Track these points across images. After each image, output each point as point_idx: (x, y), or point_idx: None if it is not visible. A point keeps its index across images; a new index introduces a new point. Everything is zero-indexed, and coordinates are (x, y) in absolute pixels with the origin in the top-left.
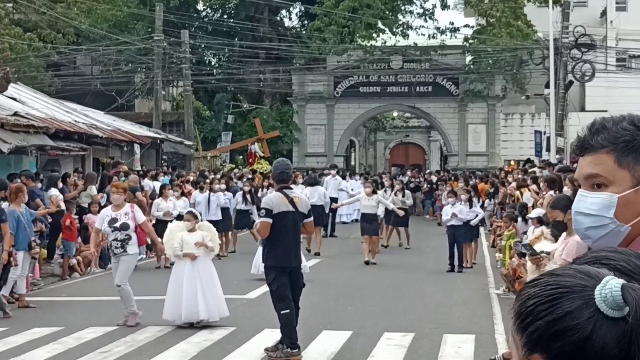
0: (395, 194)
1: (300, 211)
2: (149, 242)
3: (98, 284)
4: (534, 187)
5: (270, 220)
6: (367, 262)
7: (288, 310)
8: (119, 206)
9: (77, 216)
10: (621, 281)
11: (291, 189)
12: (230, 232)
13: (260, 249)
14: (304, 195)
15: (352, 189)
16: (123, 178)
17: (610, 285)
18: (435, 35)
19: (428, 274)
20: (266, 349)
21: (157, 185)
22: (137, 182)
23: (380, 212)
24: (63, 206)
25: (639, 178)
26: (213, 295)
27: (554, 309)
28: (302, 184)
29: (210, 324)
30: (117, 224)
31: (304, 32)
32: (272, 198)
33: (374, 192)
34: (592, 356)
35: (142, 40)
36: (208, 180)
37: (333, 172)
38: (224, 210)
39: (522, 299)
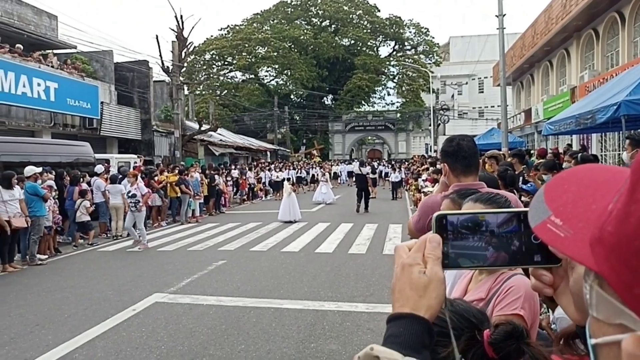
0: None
1: (364, 174)
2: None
3: (256, 205)
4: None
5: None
6: (373, 197)
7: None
8: None
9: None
10: None
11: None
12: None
13: (317, 190)
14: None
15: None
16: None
17: None
18: (386, 105)
19: (385, 201)
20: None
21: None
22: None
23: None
24: (236, 175)
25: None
26: (293, 210)
27: None
28: (341, 163)
29: (296, 221)
30: None
31: (333, 105)
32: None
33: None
34: None
35: (269, 111)
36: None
37: (353, 161)
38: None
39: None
